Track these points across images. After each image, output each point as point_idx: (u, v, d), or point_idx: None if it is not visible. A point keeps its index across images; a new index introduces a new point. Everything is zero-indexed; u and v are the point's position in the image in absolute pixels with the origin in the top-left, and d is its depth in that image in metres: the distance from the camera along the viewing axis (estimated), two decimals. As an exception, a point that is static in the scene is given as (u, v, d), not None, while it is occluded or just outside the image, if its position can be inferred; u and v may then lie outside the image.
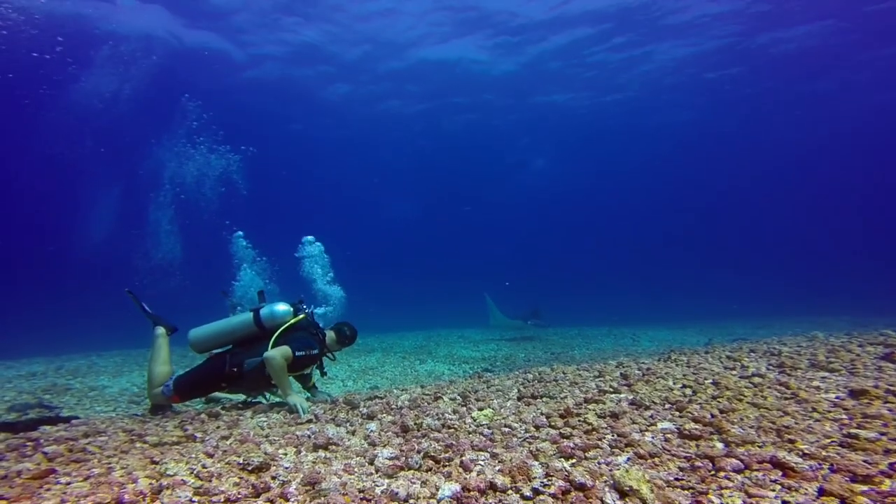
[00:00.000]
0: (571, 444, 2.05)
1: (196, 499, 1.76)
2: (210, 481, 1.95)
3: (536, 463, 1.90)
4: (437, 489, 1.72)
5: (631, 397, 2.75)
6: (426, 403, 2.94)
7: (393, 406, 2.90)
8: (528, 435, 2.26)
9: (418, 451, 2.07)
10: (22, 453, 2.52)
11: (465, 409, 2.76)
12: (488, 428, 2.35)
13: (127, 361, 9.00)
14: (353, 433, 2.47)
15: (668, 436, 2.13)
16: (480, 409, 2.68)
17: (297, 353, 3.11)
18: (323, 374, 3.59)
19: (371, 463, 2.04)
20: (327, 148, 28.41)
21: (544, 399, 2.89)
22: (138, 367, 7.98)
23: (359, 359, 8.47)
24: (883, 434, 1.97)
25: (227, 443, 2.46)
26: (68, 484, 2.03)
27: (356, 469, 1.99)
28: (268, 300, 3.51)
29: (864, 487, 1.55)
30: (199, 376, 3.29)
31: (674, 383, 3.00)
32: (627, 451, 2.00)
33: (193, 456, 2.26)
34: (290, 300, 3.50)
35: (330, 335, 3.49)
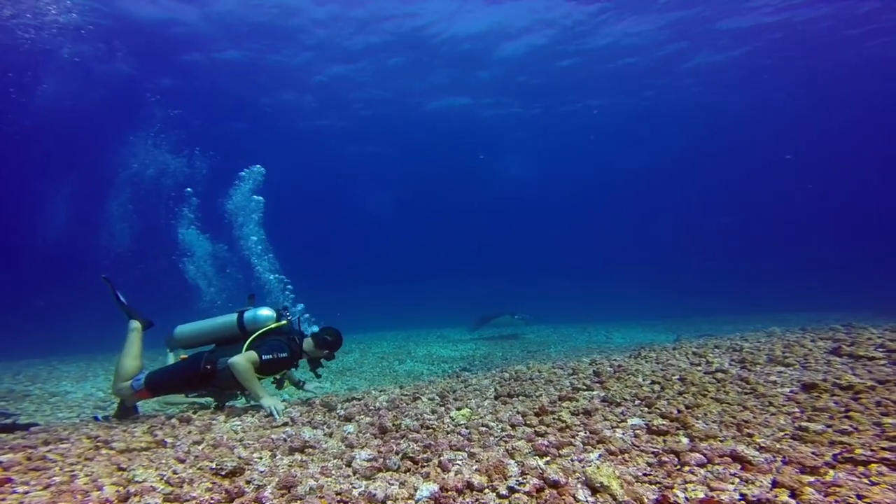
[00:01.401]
0: (546, 442, 2.10)
1: None
2: (181, 487, 1.91)
3: (512, 461, 1.94)
4: (416, 490, 1.73)
5: (603, 394, 2.84)
6: (405, 404, 2.94)
7: (371, 407, 2.88)
8: (504, 434, 2.30)
9: (397, 452, 2.07)
10: (-27, 463, 2.35)
11: (443, 409, 2.78)
12: (466, 428, 2.38)
13: (91, 366, 8.56)
14: (331, 435, 2.44)
15: (638, 432, 2.22)
16: (458, 409, 2.70)
17: (263, 357, 3.11)
18: (318, 375, 3.65)
19: (349, 465, 2.02)
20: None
21: (520, 398, 2.94)
22: (105, 372, 7.59)
23: (336, 360, 8.34)
24: (829, 426, 2.11)
25: (200, 448, 2.39)
26: (26, 493, 1.92)
27: (333, 471, 1.97)
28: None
29: (812, 478, 1.67)
30: (174, 373, 3.27)
31: (643, 380, 3.12)
32: (599, 448, 2.06)
33: (164, 462, 2.19)
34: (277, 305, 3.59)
35: (307, 342, 3.50)
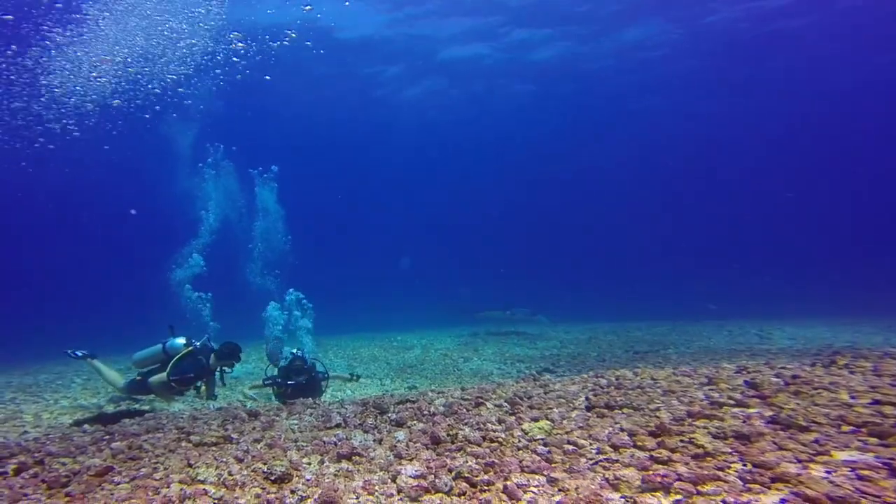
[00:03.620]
0: (670, 473, 1.49)
1: None
2: (233, 490, 1.94)
3: (616, 496, 1.39)
4: None
5: (770, 414, 2.00)
6: (465, 410, 2.58)
7: (425, 412, 2.61)
8: (601, 457, 1.76)
9: (450, 470, 1.72)
10: (99, 447, 2.81)
11: (513, 418, 2.33)
12: (544, 445, 1.89)
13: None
14: (380, 442, 2.26)
15: (865, 471, 1.40)
16: (535, 420, 2.22)
17: (171, 377, 4.42)
18: (222, 384, 4.93)
19: (394, 480, 1.78)
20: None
21: (625, 410, 2.31)
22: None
23: (397, 356, 8.32)
24: None
25: (258, 447, 2.47)
26: (117, 484, 2.16)
27: (377, 487, 1.76)
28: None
29: None
30: (140, 384, 4.82)
31: (853, 398, 2.12)
32: (779, 490, 1.35)
33: (224, 461, 2.28)
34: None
35: (212, 357, 4.68)
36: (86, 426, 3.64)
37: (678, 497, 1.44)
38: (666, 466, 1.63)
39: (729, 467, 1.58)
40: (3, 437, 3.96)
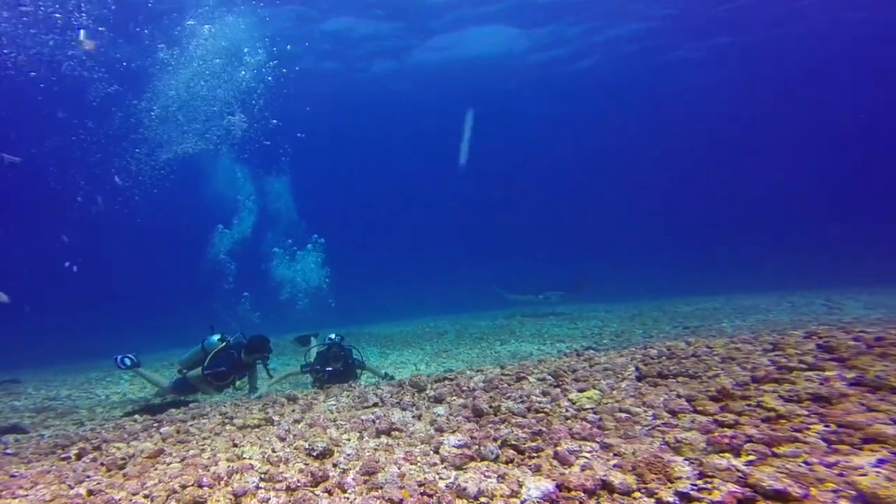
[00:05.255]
0: (739, 435, 1.40)
1: (262, 485, 1.83)
2: (277, 466, 2.02)
3: (679, 458, 1.34)
4: (521, 486, 1.35)
5: (852, 376, 1.85)
6: (506, 385, 2.57)
7: (464, 388, 2.60)
8: (658, 422, 1.72)
9: (495, 439, 1.71)
10: (149, 433, 3.03)
11: (558, 390, 2.30)
12: (595, 413, 1.83)
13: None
14: (419, 418, 2.28)
15: None
16: (581, 391, 2.17)
17: (205, 372, 4.87)
18: (269, 376, 5.27)
19: (436, 451, 1.79)
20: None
21: (680, 379, 2.24)
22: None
23: (431, 342, 8.36)
24: None
25: (299, 427, 2.55)
26: (169, 464, 2.31)
27: (419, 458, 1.78)
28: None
29: None
30: (182, 382, 5.31)
31: None
32: (874, 452, 1.25)
33: (267, 440, 2.39)
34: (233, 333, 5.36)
35: (243, 351, 5.01)
36: (136, 416, 3.94)
37: (751, 458, 1.35)
38: (733, 429, 1.54)
39: (808, 429, 1.47)
40: (63, 430, 4.36)
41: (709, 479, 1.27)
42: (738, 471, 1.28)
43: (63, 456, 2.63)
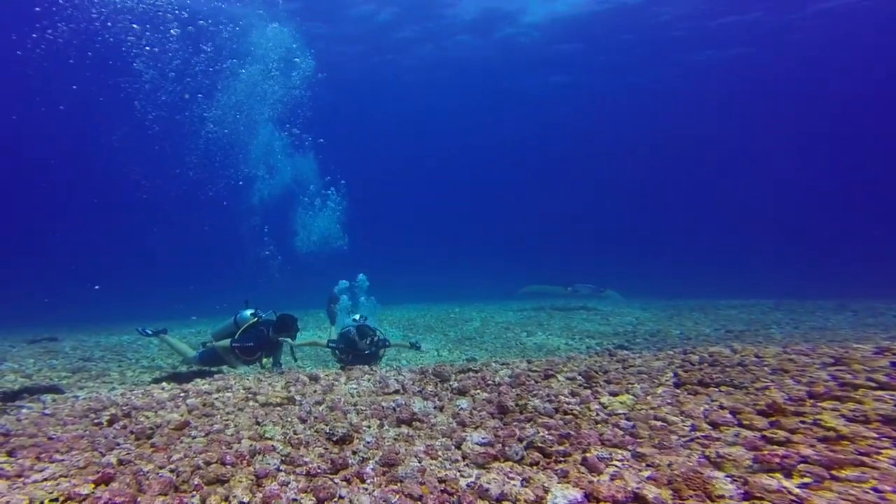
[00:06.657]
0: (792, 454, 1.30)
1: (283, 468, 1.88)
2: (298, 449, 2.06)
3: (720, 474, 1.26)
4: (547, 492, 1.31)
5: None
6: (533, 381, 2.51)
7: (489, 382, 2.56)
8: (698, 434, 1.63)
9: (520, 439, 1.66)
10: (176, 403, 3.19)
11: (588, 392, 2.23)
12: (627, 419, 1.76)
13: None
14: (442, 409, 2.27)
15: None
16: (614, 395, 2.08)
17: (233, 345, 5.07)
18: (295, 358, 5.57)
19: (458, 447, 1.76)
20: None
21: (723, 388, 2.13)
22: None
23: (455, 328, 8.39)
24: None
25: (320, 408, 2.61)
26: (194, 438, 2.41)
27: (440, 453, 1.76)
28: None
29: None
30: (210, 353, 5.59)
31: None
32: None
33: (289, 420, 2.45)
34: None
35: (272, 330, 5.17)
36: (164, 384, 4.17)
37: (806, 480, 1.26)
38: (785, 447, 1.45)
39: (878, 453, 1.35)
40: (96, 392, 4.68)
41: (756, 501, 1.19)
42: (790, 493, 1.20)
43: (95, 421, 2.80)
